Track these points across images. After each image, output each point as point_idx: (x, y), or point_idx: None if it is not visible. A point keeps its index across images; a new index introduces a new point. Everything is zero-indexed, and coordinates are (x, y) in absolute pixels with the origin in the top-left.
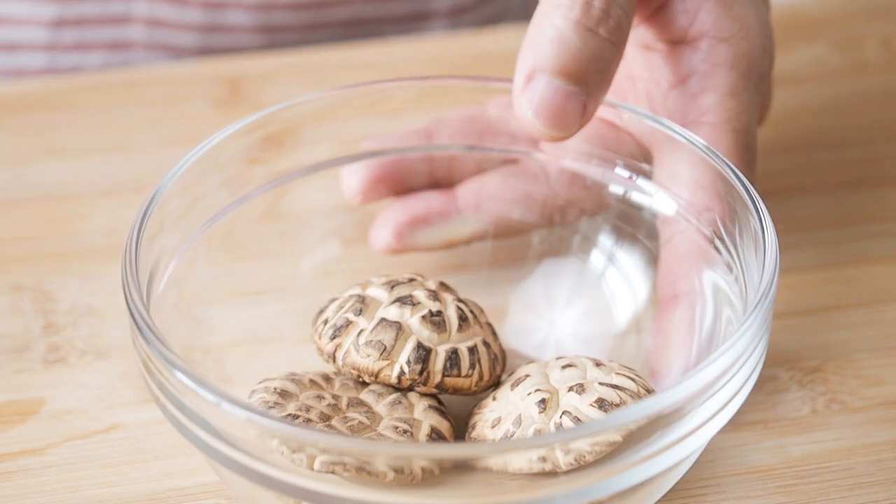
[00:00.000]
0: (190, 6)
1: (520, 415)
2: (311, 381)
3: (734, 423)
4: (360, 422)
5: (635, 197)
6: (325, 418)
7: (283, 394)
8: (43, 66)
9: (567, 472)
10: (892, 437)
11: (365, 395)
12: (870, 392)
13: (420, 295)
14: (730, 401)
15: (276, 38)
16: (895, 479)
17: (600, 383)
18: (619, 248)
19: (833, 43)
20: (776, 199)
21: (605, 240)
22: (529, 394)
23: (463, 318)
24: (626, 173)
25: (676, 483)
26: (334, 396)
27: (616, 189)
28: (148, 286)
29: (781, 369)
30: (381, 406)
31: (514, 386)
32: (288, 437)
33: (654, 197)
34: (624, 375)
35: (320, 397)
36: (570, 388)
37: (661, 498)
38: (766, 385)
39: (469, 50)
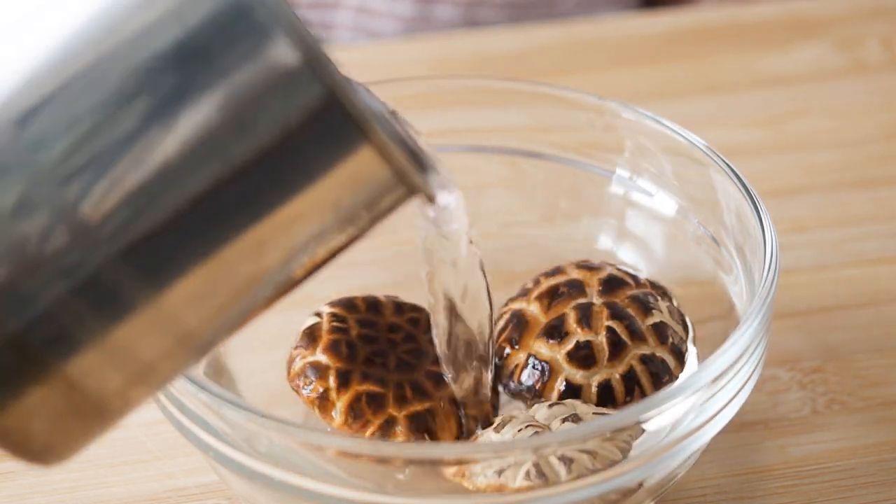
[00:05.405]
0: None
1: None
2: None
3: (735, 424)
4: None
5: (635, 197)
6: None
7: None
8: None
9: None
10: (892, 437)
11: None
12: (870, 392)
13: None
14: (730, 401)
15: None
16: (895, 479)
17: (595, 413)
18: (619, 248)
19: (833, 43)
20: (776, 199)
21: (606, 240)
22: (520, 430)
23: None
24: (626, 173)
25: (677, 484)
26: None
27: (616, 189)
28: None
29: (782, 369)
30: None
31: (498, 429)
32: (286, 438)
33: (654, 197)
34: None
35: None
36: (565, 419)
37: (662, 498)
38: (767, 385)
39: (469, 50)
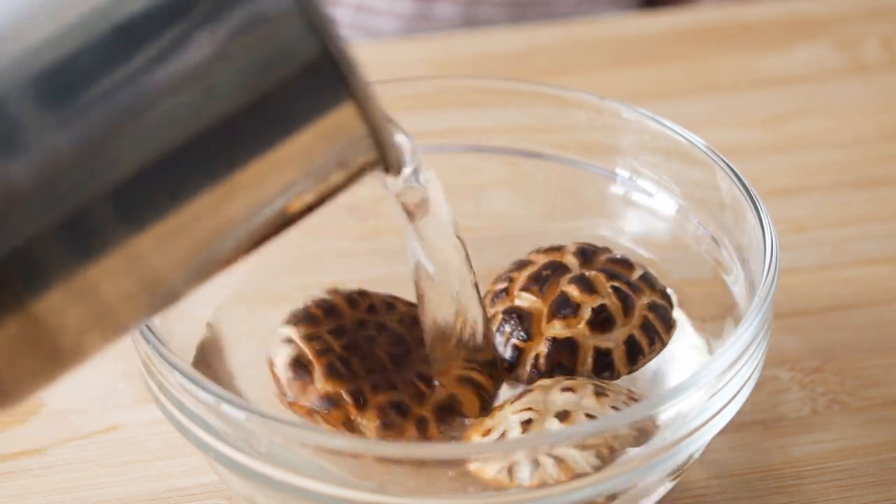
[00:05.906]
0: None
1: (505, 430)
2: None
3: (735, 424)
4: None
5: (635, 197)
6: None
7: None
8: None
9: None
10: (892, 437)
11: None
12: (870, 392)
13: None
14: (730, 401)
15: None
16: (895, 479)
17: (586, 415)
18: (619, 248)
19: (833, 43)
20: (776, 199)
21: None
22: (521, 410)
23: None
24: (626, 173)
25: (677, 484)
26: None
27: (616, 189)
28: None
29: (782, 369)
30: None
31: (514, 401)
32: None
33: (654, 197)
34: (616, 409)
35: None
36: (557, 414)
37: (662, 498)
38: (767, 385)
39: (469, 50)
